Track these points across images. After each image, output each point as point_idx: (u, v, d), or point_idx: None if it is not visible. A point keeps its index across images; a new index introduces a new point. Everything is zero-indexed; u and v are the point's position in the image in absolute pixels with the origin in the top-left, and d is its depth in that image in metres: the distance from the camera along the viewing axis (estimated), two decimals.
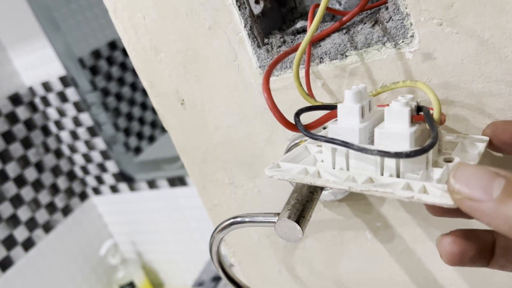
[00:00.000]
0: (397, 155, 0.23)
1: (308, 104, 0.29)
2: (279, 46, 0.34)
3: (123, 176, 1.42)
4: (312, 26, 0.28)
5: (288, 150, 0.36)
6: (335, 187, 0.25)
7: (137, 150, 1.44)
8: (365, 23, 0.31)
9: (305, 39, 0.28)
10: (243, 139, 0.38)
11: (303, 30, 0.35)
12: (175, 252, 1.51)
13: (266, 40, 0.34)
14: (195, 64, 0.36)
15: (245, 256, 0.46)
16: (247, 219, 0.33)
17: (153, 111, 1.51)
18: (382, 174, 0.26)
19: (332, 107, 0.29)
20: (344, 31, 0.31)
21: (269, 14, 0.36)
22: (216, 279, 1.30)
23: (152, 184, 1.39)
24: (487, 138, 0.27)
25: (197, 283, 1.43)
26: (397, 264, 0.39)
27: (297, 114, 0.28)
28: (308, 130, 0.27)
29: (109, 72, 1.42)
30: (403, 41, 0.29)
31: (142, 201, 1.44)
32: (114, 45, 1.44)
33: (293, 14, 0.38)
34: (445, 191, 0.22)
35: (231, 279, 0.37)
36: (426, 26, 0.28)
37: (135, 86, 1.50)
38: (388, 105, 0.26)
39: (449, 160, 0.26)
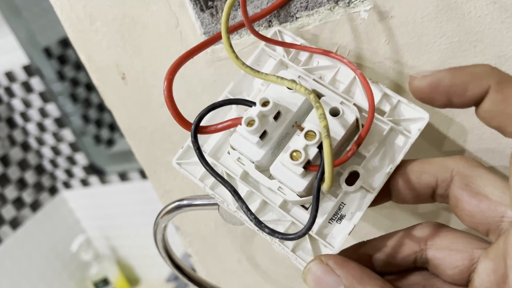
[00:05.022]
0: (272, 232, 0.23)
1: (241, 70, 0.26)
2: None
3: (93, 169, 1.37)
4: None
5: None
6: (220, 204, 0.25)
7: (110, 142, 1.40)
8: None
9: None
10: (192, 116, 0.35)
11: None
12: (150, 246, 1.47)
13: (210, 3, 0.30)
14: (134, 33, 0.33)
15: (202, 245, 0.43)
16: (192, 202, 0.29)
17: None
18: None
19: (250, 103, 0.25)
20: None
21: None
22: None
23: (123, 177, 1.34)
24: (421, 127, 0.24)
25: (173, 277, 1.40)
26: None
27: (200, 118, 0.24)
28: (202, 153, 0.24)
29: (78, 62, 1.36)
30: None
31: (114, 194, 1.40)
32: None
33: None
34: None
35: (180, 269, 0.33)
36: None
37: (91, 87, 1.45)
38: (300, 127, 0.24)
39: (353, 175, 0.25)
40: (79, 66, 1.35)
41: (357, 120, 0.24)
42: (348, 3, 0.26)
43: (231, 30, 0.27)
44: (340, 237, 0.24)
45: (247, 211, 0.22)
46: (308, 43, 0.27)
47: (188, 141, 0.27)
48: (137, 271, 1.56)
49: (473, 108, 0.21)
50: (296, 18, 0.28)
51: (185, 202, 0.29)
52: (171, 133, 0.37)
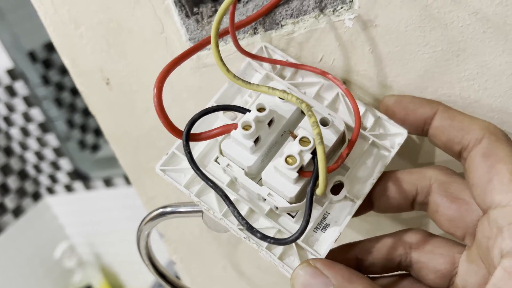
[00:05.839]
0: (263, 237, 0.23)
1: (228, 79, 0.26)
2: (210, 16, 0.30)
3: (77, 175, 1.36)
4: None
5: None
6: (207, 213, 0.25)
7: (95, 147, 1.38)
8: None
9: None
10: (178, 122, 0.35)
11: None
12: (135, 253, 1.46)
13: (195, 9, 0.30)
14: (119, 38, 0.32)
15: (187, 252, 0.42)
16: (176, 209, 0.29)
17: None
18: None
19: (244, 110, 0.25)
20: None
21: None
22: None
23: (108, 182, 1.33)
24: (401, 141, 0.26)
25: (158, 285, 1.39)
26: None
27: (191, 124, 0.24)
28: (194, 163, 0.23)
29: (63, 66, 1.35)
30: (341, 7, 0.26)
31: (98, 200, 1.38)
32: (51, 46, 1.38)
33: None
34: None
35: (164, 276, 0.33)
36: None
37: (76, 91, 1.44)
38: (293, 134, 0.24)
39: (337, 186, 0.25)
40: (64, 70, 1.34)
41: (343, 132, 0.25)
42: (333, 11, 0.27)
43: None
44: (326, 244, 0.24)
45: (238, 216, 0.22)
46: (294, 59, 0.28)
47: (173, 148, 0.26)
48: (122, 278, 1.54)
49: None
50: (282, 25, 0.28)
51: (169, 209, 0.29)
52: (156, 139, 0.36)
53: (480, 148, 0.22)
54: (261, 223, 0.25)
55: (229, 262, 0.41)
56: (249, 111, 0.24)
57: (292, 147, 0.23)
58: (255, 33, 0.29)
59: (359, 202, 0.24)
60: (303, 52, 0.29)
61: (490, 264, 0.19)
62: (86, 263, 1.46)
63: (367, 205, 0.26)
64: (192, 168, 0.23)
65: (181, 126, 0.33)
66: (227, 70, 0.25)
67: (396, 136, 0.26)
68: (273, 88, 0.24)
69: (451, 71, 0.26)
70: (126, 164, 0.39)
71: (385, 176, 0.25)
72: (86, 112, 1.38)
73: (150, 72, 0.33)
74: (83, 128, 1.36)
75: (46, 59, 1.31)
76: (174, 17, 0.30)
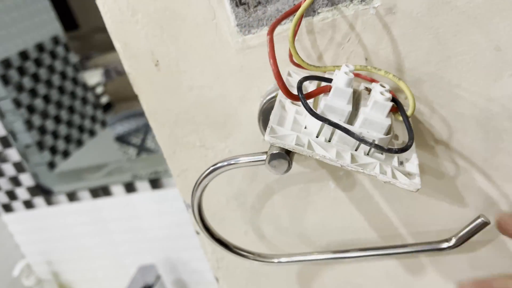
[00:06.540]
0: (389, 150, 0.29)
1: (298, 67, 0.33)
2: (255, 6, 0.37)
3: (39, 190, 1.33)
4: None
5: (263, 107, 0.39)
6: (329, 162, 0.30)
7: (59, 161, 1.37)
8: None
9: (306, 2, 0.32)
10: (217, 98, 0.41)
11: None
12: (97, 269, 1.44)
13: (243, 0, 0.37)
14: (173, 24, 0.38)
15: (211, 222, 0.47)
16: (232, 161, 0.35)
17: (68, 124, 1.44)
18: (356, 150, 0.31)
19: (328, 80, 0.32)
20: None
21: None
22: None
23: (72, 197, 1.32)
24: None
25: None
26: (357, 211, 0.43)
27: (300, 88, 0.31)
28: (314, 111, 0.30)
29: (20, 83, 1.34)
30: None
31: (60, 216, 1.36)
32: (25, 55, 1.37)
33: None
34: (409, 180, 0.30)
35: (212, 235, 0.38)
36: None
37: (48, 99, 1.43)
38: (374, 81, 0.31)
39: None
40: (21, 87, 1.33)
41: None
42: (361, 1, 0.34)
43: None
44: (414, 164, 0.32)
45: (363, 140, 0.29)
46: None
47: (271, 122, 0.31)
48: None
49: None
50: (318, 13, 0.36)
51: (233, 161, 0.34)
52: (195, 114, 0.42)
53: None
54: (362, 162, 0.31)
55: (251, 226, 0.47)
56: (331, 80, 0.31)
57: (376, 90, 0.30)
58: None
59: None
60: (335, 34, 0.36)
61: None
62: (45, 281, 1.41)
63: None
64: (316, 117, 0.29)
65: (220, 105, 0.40)
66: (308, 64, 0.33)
67: None
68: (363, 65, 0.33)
69: (449, 48, 0.34)
70: (162, 140, 0.44)
71: None
72: (42, 130, 1.37)
73: (197, 54, 0.39)
74: (40, 145, 1.34)
75: (3, 74, 1.30)
76: (226, 6, 0.36)
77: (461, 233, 0.35)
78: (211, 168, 0.35)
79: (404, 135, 0.35)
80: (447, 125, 0.37)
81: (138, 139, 2.20)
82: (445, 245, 0.36)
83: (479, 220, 0.34)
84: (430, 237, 0.42)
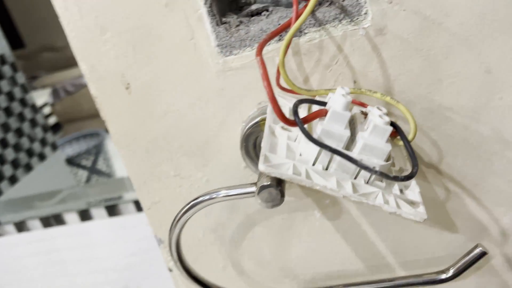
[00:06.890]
0: (395, 178, 0.27)
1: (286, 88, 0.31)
2: (237, 25, 0.34)
3: None
4: (308, 8, 0.29)
5: (245, 133, 0.36)
6: (330, 193, 0.28)
7: (5, 188, 1.27)
8: (320, 3, 0.33)
9: (299, 20, 0.30)
10: (195, 124, 0.37)
11: (257, 13, 0.36)
12: None
13: (223, 19, 0.34)
14: (147, 43, 0.35)
15: (186, 256, 0.44)
16: (220, 194, 0.31)
17: (15, 148, 1.35)
18: (355, 178, 0.29)
19: (323, 103, 0.30)
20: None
21: None
22: None
23: (21, 227, 1.22)
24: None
25: None
26: (343, 240, 0.41)
27: (296, 112, 0.28)
28: (314, 138, 0.27)
29: None
30: (357, 18, 0.33)
31: (8, 248, 1.25)
32: None
33: None
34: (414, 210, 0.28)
35: (189, 273, 0.35)
36: (378, 4, 0.32)
37: None
38: (363, 105, 0.30)
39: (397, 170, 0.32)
40: None
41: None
42: (350, 21, 0.33)
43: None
44: (415, 190, 0.30)
45: (366, 167, 0.27)
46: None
47: (264, 150, 0.29)
48: None
49: None
50: (305, 33, 0.34)
51: (222, 192, 0.31)
52: (170, 141, 0.38)
53: None
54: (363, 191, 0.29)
55: (229, 261, 0.43)
56: (326, 103, 0.29)
57: (373, 113, 0.28)
58: (280, 39, 0.34)
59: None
60: (322, 55, 0.34)
61: None
62: None
63: None
64: (312, 142, 0.27)
65: (198, 130, 0.37)
66: (299, 88, 0.31)
67: None
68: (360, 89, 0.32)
69: (441, 70, 0.33)
70: (132, 169, 0.40)
71: None
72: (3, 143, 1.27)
73: (174, 76, 0.36)
74: None
75: None
76: (206, 25, 0.34)
77: (459, 264, 0.33)
78: (192, 202, 0.31)
79: (398, 160, 0.33)
80: (437, 148, 0.36)
81: (89, 161, 2.10)
82: (443, 276, 0.34)
83: (477, 250, 0.33)
84: (419, 266, 0.40)
